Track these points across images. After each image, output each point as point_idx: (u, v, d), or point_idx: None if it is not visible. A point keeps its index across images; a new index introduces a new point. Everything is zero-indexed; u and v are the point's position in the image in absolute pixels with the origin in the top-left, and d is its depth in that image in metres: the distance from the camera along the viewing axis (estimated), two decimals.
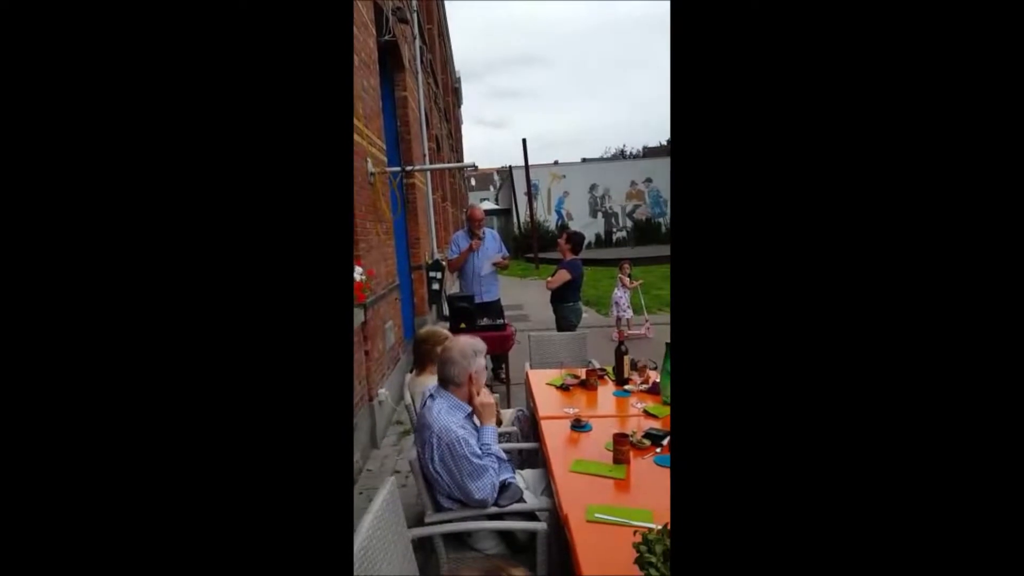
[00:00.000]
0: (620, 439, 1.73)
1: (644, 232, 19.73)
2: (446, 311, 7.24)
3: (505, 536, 1.74)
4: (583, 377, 2.51)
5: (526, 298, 8.97)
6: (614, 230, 20.26)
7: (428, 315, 6.21)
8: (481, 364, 1.90)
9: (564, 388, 2.48)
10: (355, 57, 3.14)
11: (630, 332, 6.17)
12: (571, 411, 2.19)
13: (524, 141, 15.22)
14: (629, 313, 6.24)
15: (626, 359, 2.53)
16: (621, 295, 6.22)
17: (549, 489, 1.92)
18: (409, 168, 4.37)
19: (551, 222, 19.90)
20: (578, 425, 2.04)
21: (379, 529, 1.32)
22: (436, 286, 6.24)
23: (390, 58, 5.13)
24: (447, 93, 12.36)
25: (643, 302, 6.62)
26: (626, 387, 2.48)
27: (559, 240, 4.25)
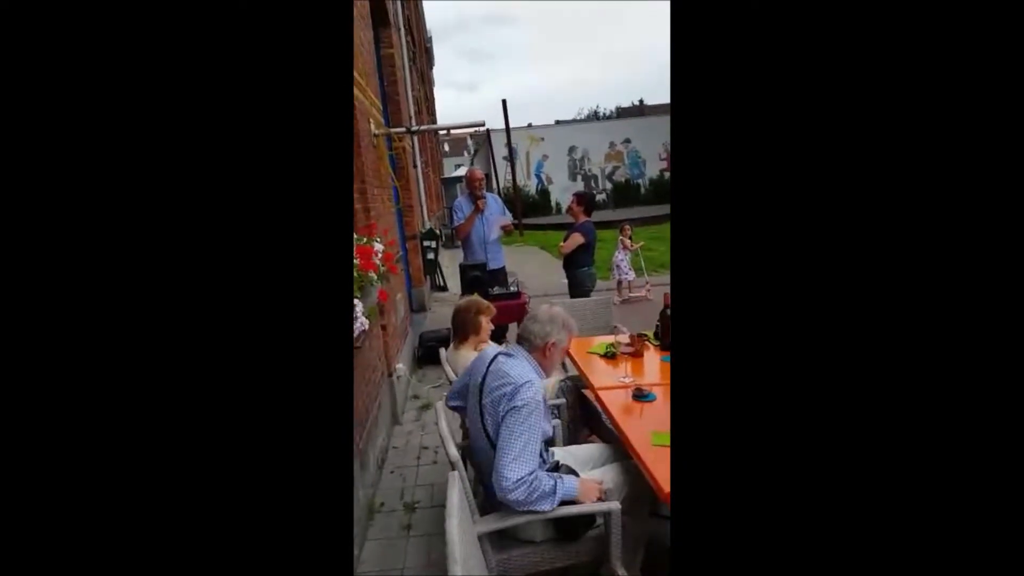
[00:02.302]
0: None
1: (623, 194, 19.57)
2: (440, 281, 7.08)
3: (556, 521, 1.50)
4: (631, 344, 2.33)
5: (517, 266, 8.76)
6: (594, 192, 20.05)
7: (424, 286, 5.96)
8: (564, 341, 1.67)
9: (610, 356, 2.32)
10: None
11: (631, 294, 6.08)
12: (628, 380, 2.03)
13: (504, 102, 14.71)
14: (631, 275, 6.13)
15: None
16: (622, 258, 6.09)
17: (606, 464, 1.77)
18: (414, 129, 4.03)
19: (531, 187, 19.56)
20: (640, 395, 1.89)
21: (464, 532, 1.15)
22: (431, 255, 5.99)
23: (375, 12, 4.71)
24: (421, 53, 11.75)
25: (643, 264, 6.50)
26: None
27: (571, 204, 4.01)
